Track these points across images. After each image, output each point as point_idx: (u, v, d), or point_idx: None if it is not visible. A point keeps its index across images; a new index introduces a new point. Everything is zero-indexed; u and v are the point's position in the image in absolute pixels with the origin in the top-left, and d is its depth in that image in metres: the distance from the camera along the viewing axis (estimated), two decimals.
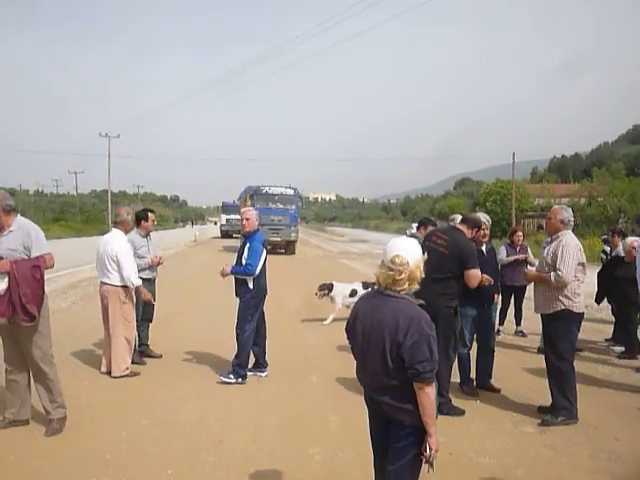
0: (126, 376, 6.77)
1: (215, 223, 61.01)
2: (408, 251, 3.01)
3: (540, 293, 5.68)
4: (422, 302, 3.04)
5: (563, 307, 5.47)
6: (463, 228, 5.95)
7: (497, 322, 9.45)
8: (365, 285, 10.65)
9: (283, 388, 6.57)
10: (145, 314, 7.72)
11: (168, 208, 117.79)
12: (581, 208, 39.55)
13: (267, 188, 30.06)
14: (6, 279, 4.85)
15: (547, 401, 5.75)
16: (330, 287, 10.74)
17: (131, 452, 4.75)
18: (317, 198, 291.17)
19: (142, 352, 7.64)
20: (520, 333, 9.59)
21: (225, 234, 48.72)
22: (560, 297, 5.48)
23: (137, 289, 6.95)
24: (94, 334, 8.58)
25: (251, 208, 7.22)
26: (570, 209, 5.83)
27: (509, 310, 9.57)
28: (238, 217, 40.74)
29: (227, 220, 48.72)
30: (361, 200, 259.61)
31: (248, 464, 4.53)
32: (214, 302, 10.56)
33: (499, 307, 9.56)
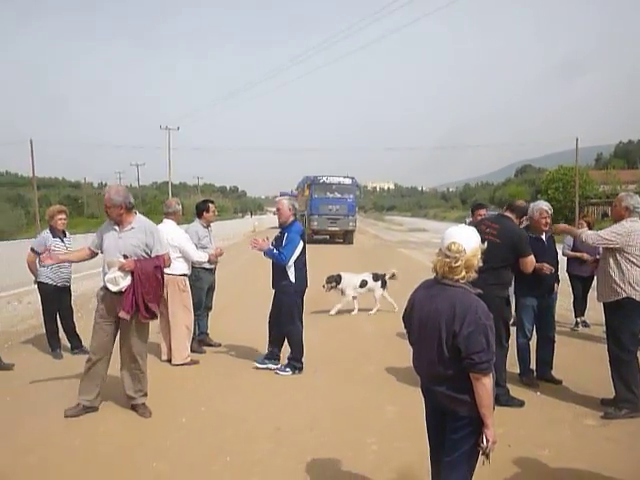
0: (186, 364, 6.90)
1: (274, 213, 61.54)
2: (465, 238, 2.97)
3: (602, 281, 5.51)
4: (480, 291, 3.00)
5: (625, 295, 5.29)
6: (511, 216, 5.85)
7: (573, 314, 9.31)
8: (375, 277, 10.48)
9: (340, 377, 6.57)
10: (205, 302, 7.83)
11: (227, 199, 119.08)
12: None
13: (325, 178, 30.05)
14: (129, 277, 5.01)
15: (610, 393, 5.58)
16: (338, 279, 10.34)
17: (190, 439, 4.84)
18: (375, 187, 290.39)
19: (201, 341, 7.76)
20: (583, 323, 9.31)
21: None
22: (622, 285, 5.29)
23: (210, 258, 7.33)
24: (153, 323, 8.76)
25: (283, 198, 7.17)
26: (637, 196, 5.61)
27: (577, 300, 9.31)
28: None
29: None
30: (420, 189, 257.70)
31: (305, 452, 4.56)
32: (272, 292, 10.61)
33: (571, 299, 9.36)
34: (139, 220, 5.24)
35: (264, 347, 6.97)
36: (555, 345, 6.47)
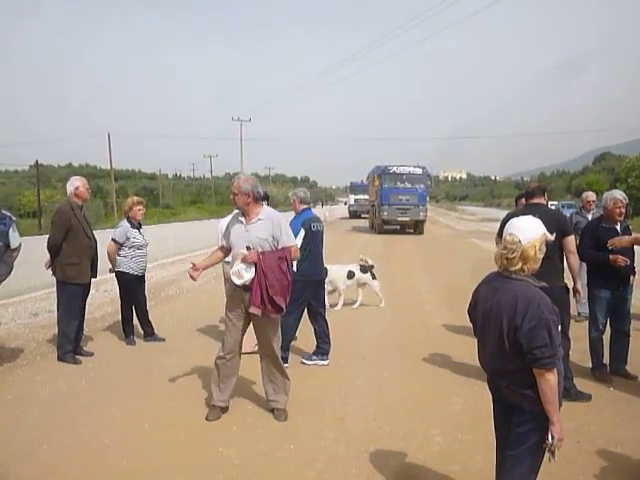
0: (254, 352, 7.00)
1: (345, 203, 61.53)
2: (523, 229, 2.92)
3: None
4: (544, 284, 2.94)
5: None
6: (540, 200, 5.71)
7: None
8: (363, 268, 10.13)
9: (406, 367, 6.56)
10: None
11: (298, 189, 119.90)
12: None
13: (395, 168, 29.82)
14: (253, 269, 4.91)
15: None
16: (325, 273, 8.73)
17: (256, 426, 4.94)
18: (447, 177, 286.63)
19: None
20: None
21: (354, 214, 48.84)
22: None
23: None
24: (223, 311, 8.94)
25: (297, 190, 7.01)
26: None
27: None
28: (367, 197, 40.49)
29: (355, 200, 48.86)
30: (493, 178, 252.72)
31: (368, 442, 4.58)
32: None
33: None
34: (266, 211, 5.14)
35: (333, 336, 6.97)
36: (630, 340, 6.25)
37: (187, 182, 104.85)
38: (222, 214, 48.94)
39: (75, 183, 6.87)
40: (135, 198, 7.77)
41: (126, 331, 7.67)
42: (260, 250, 4.94)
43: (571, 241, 5.42)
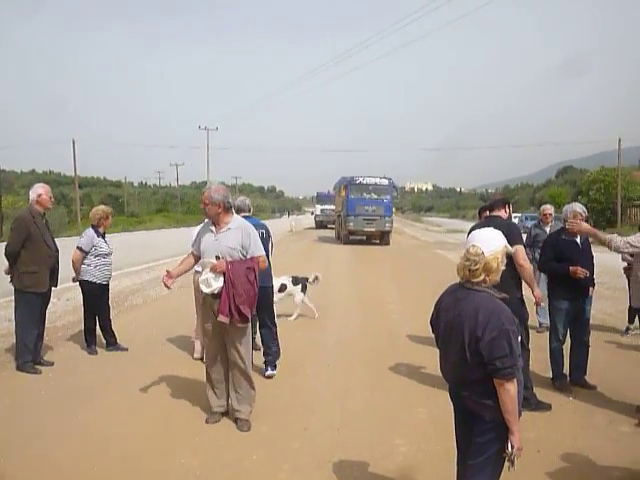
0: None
1: (312, 213, 61.53)
2: (485, 241, 2.98)
3: (635, 286, 5.40)
4: (505, 296, 2.99)
5: None
6: (500, 213, 5.83)
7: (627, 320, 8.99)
8: (295, 280, 9.87)
9: (371, 377, 6.59)
10: None
11: (265, 198, 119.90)
12: None
13: (361, 178, 29.93)
14: (222, 278, 4.94)
15: None
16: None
17: (219, 436, 4.90)
18: (413, 188, 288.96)
19: None
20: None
21: (320, 224, 48.62)
22: None
23: None
24: (188, 321, 8.89)
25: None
26: None
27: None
28: (333, 207, 40.59)
29: (322, 210, 48.61)
30: (458, 190, 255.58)
31: (333, 452, 4.58)
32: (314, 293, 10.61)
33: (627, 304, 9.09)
34: (236, 221, 5.16)
35: (297, 345, 6.98)
36: (590, 350, 6.37)
37: (153, 190, 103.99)
38: (189, 223, 48.65)
39: (38, 190, 6.77)
40: (106, 210, 7.69)
41: (88, 340, 7.55)
42: (229, 259, 4.96)
43: (519, 252, 5.39)
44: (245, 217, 6.51)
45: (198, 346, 7.18)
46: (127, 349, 7.64)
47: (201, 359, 7.06)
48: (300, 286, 9.87)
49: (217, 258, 4.99)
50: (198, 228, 5.75)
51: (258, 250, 5.13)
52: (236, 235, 5.05)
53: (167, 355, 7.36)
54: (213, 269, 4.94)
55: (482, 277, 2.94)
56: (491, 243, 2.98)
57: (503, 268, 2.98)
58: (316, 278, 10.29)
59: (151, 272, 15.99)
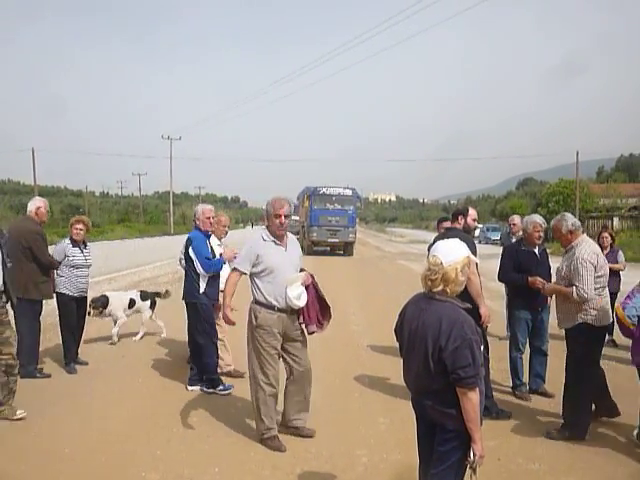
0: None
1: None
2: (445, 252, 3.00)
3: (560, 307, 5.44)
4: (468, 305, 3.02)
5: (581, 321, 5.19)
6: (455, 224, 5.97)
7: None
8: (143, 295, 9.16)
9: (333, 388, 6.56)
10: None
11: (229, 209, 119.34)
12: None
13: (325, 189, 29.96)
14: (305, 290, 5.04)
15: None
16: (105, 302, 8.54)
17: (180, 449, 4.84)
18: (377, 199, 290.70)
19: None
20: (611, 342, 8.56)
21: None
22: (579, 311, 5.19)
23: None
24: (150, 332, 8.80)
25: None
26: (569, 214, 5.57)
27: None
28: (296, 218, 40.62)
29: None
30: (421, 200, 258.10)
31: (295, 464, 4.56)
32: None
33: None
34: (288, 235, 5.16)
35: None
36: (548, 358, 6.47)
37: (115, 200, 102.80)
38: (151, 233, 48.06)
39: (37, 203, 6.95)
40: (76, 217, 7.55)
41: (67, 357, 7.21)
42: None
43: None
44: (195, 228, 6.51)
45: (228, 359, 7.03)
46: (87, 363, 7.40)
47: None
48: (149, 302, 9.14)
49: (301, 271, 5.06)
50: (252, 245, 5.20)
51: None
52: (296, 248, 5.17)
53: (128, 368, 7.24)
54: (304, 282, 4.99)
55: (441, 287, 2.97)
56: (450, 254, 3.00)
57: (464, 279, 3.00)
58: (166, 292, 9.61)
59: (113, 283, 15.75)
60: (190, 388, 6.40)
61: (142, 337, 9.02)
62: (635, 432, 5.13)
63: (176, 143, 57.58)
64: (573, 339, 5.33)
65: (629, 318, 5.01)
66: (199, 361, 6.41)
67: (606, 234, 8.96)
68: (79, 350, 7.51)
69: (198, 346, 6.37)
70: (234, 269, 5.05)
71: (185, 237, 6.60)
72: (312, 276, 5.10)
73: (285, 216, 4.95)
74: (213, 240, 6.77)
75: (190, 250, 6.29)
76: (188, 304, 6.39)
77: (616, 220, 39.02)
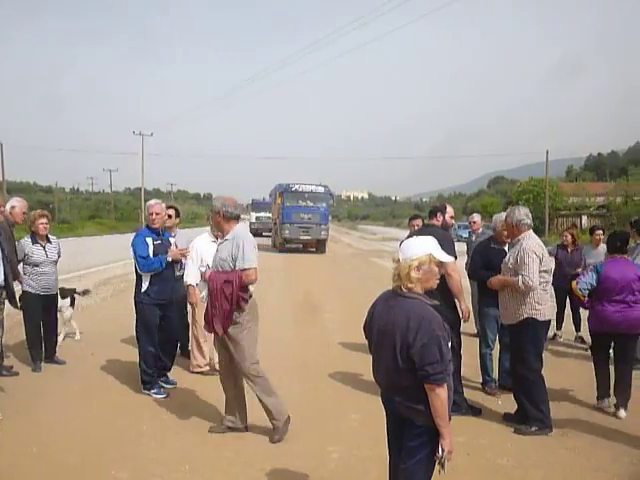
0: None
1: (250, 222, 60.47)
2: (403, 249, 3.07)
3: (504, 303, 5.52)
4: (436, 302, 3.04)
5: (527, 316, 5.32)
6: (433, 221, 6.00)
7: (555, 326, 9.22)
8: (62, 292, 8.13)
9: (305, 385, 6.59)
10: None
11: (201, 206, 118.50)
12: (617, 207, 38.92)
13: (297, 186, 29.84)
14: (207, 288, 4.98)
15: (572, 404, 5.69)
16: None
17: (151, 447, 4.83)
18: (349, 196, 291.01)
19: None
20: (579, 339, 8.84)
21: (255, 232, 47.55)
22: (523, 306, 5.33)
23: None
24: (121, 330, 8.72)
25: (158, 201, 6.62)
26: (524, 208, 5.65)
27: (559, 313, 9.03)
28: (269, 215, 40.18)
29: (257, 218, 47.34)
30: (393, 198, 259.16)
31: (265, 461, 4.57)
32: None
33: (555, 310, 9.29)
34: (235, 231, 5.01)
35: None
36: None
37: (86, 196, 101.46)
38: (122, 230, 47.56)
39: (12, 203, 6.91)
40: (38, 211, 7.24)
41: (32, 355, 7.09)
42: (220, 270, 4.93)
43: (449, 263, 5.09)
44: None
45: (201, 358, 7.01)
46: (65, 362, 7.29)
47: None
48: (68, 300, 8.50)
49: (208, 267, 5.08)
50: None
51: (246, 262, 4.88)
52: (228, 246, 4.96)
53: (98, 366, 7.18)
54: (203, 277, 5.07)
55: (397, 283, 3.03)
56: (407, 251, 3.04)
57: (418, 276, 2.99)
58: (86, 291, 9.24)
59: (82, 280, 15.57)
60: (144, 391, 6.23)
61: (64, 338, 8.43)
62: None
63: (148, 139, 56.89)
64: (518, 335, 5.45)
65: (580, 290, 5.90)
66: (140, 362, 6.28)
67: (566, 233, 9.13)
68: (56, 349, 7.43)
69: (140, 347, 6.27)
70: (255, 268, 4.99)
71: None
72: (211, 276, 4.97)
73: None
74: (179, 237, 6.82)
75: (130, 249, 6.19)
76: (134, 302, 6.30)
77: (584, 218, 39.64)
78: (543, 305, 5.32)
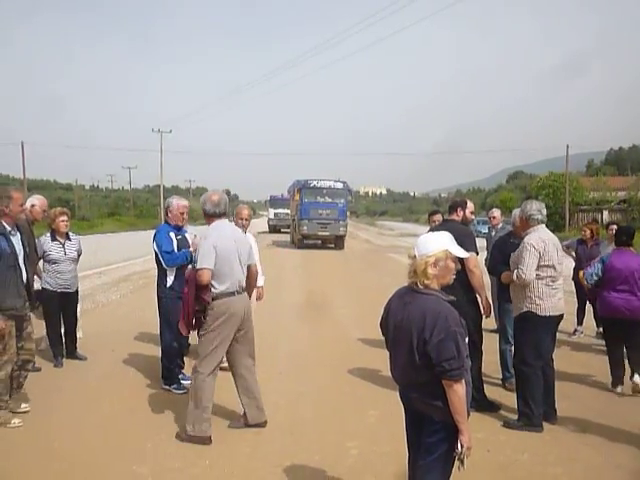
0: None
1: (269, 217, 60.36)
2: (419, 245, 3.04)
3: (512, 295, 5.55)
4: (453, 298, 3.03)
5: (526, 309, 5.31)
6: (453, 217, 5.97)
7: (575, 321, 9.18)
8: None
9: (323, 382, 6.59)
10: None
11: None
12: (638, 202, 38.48)
13: (315, 182, 29.78)
14: None
15: (592, 400, 5.63)
16: None
17: (170, 442, 4.86)
18: (367, 192, 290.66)
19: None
20: (600, 335, 8.68)
21: (273, 229, 47.52)
22: (523, 299, 5.33)
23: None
24: (141, 326, 8.78)
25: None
26: (537, 202, 5.60)
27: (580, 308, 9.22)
28: (287, 211, 40.04)
29: (275, 214, 47.47)
30: (412, 194, 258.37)
31: (284, 456, 4.58)
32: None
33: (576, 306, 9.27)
34: (211, 226, 5.05)
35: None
36: None
37: (105, 194, 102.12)
38: (141, 227, 47.75)
39: (32, 201, 6.91)
40: (58, 209, 7.30)
41: (54, 352, 7.19)
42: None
43: (470, 259, 5.34)
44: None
45: None
46: (86, 358, 7.36)
47: None
48: None
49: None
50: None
51: (198, 263, 4.85)
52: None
53: (117, 363, 7.24)
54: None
55: (414, 279, 3.01)
56: (424, 247, 3.02)
57: (435, 272, 2.98)
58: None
59: (102, 276, 15.72)
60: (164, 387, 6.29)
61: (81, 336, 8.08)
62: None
63: (167, 136, 57.19)
64: (519, 328, 5.47)
65: (586, 280, 6.53)
66: (163, 357, 6.35)
67: (585, 228, 9.07)
68: (77, 345, 7.48)
69: (163, 342, 6.33)
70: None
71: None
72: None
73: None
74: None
75: (153, 244, 6.22)
76: (157, 298, 6.35)
77: (605, 213, 39.24)
78: (544, 300, 5.27)
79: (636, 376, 6.11)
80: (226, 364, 5.40)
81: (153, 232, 6.40)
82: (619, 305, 6.19)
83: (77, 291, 7.48)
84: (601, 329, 8.58)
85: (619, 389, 6.25)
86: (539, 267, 5.24)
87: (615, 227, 8.44)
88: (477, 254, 5.65)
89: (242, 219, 6.54)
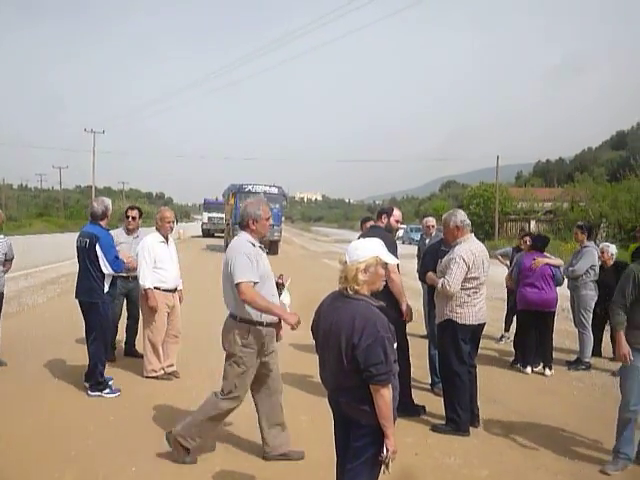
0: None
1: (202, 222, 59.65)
2: (350, 251, 3.08)
3: (436, 302, 5.72)
4: (382, 304, 3.07)
5: (447, 317, 5.47)
6: (379, 223, 6.09)
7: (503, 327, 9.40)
8: None
9: None
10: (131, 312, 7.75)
11: (153, 205, 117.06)
12: (564, 212, 39.81)
13: (250, 186, 29.63)
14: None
15: (516, 403, 5.80)
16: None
17: (97, 448, 4.76)
18: (303, 198, 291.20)
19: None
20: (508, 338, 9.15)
21: (207, 233, 47.12)
22: (445, 307, 5.48)
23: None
24: (67, 330, 8.56)
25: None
26: (461, 211, 5.77)
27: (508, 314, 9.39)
28: (221, 215, 39.56)
29: (209, 218, 47.08)
30: (347, 201, 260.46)
31: (214, 462, 4.57)
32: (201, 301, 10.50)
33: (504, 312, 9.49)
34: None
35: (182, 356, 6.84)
36: None
37: (34, 193, 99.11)
38: (71, 228, 46.48)
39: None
40: None
41: None
42: None
43: (390, 265, 5.43)
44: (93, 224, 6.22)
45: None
46: (6, 364, 7.09)
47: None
48: None
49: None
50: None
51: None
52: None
53: (42, 368, 7.03)
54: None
55: (345, 285, 3.04)
56: (354, 253, 3.05)
57: (366, 278, 3.01)
58: None
59: (29, 279, 15.24)
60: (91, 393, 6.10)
61: None
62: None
63: (100, 137, 56.09)
64: (441, 334, 5.61)
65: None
66: (91, 362, 6.17)
67: (527, 238, 9.34)
68: None
69: (94, 347, 6.16)
70: (249, 282, 4.83)
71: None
72: None
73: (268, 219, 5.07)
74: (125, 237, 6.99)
75: (97, 248, 6.00)
76: (85, 303, 6.17)
77: (533, 223, 40.45)
78: (465, 309, 5.41)
79: (547, 370, 7.49)
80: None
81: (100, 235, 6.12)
82: (532, 299, 7.48)
83: (2, 294, 7.22)
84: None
85: (528, 370, 7.53)
86: (465, 279, 5.37)
87: (528, 238, 8.83)
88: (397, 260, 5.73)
89: (169, 222, 6.73)
